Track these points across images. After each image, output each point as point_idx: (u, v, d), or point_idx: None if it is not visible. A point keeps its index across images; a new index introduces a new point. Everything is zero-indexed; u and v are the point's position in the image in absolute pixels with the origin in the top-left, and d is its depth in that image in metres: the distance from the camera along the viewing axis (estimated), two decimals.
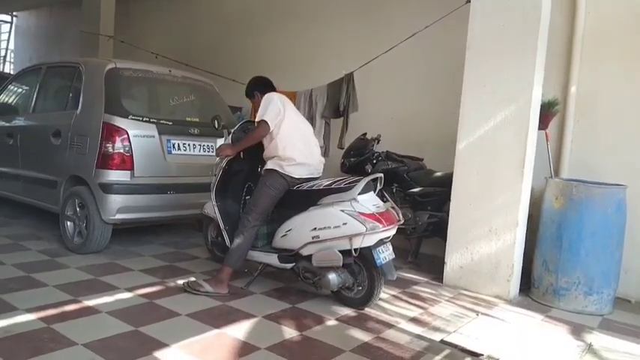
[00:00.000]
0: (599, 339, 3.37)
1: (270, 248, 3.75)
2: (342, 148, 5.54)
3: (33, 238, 4.85)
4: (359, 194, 3.38)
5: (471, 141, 4.14)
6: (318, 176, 3.80)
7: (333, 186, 3.50)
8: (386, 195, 4.09)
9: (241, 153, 3.86)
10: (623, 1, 4.37)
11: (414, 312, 3.60)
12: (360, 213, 3.33)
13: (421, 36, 5.07)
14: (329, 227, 3.39)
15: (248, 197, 3.98)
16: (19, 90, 5.76)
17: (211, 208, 4.02)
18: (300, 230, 3.53)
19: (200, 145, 4.83)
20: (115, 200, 4.28)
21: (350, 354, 2.85)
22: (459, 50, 4.28)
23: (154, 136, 4.47)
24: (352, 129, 5.55)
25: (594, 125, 4.48)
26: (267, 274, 4.02)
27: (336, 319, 3.35)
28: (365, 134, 5.22)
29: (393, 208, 3.62)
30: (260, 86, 3.94)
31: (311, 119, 5.63)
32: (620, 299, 4.12)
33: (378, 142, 5.16)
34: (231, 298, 3.58)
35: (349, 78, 5.62)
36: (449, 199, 4.30)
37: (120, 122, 4.32)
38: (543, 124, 4.20)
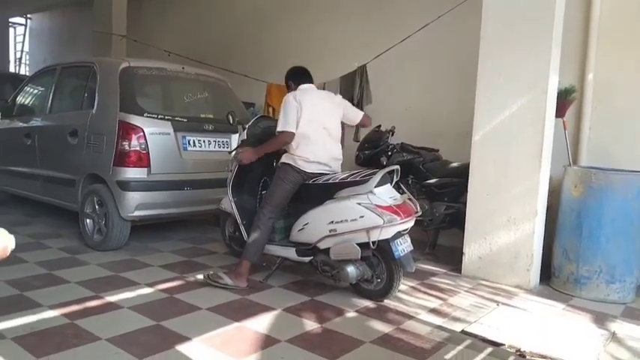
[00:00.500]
0: (622, 327, 3.33)
1: (288, 242, 3.76)
2: (357, 141, 5.53)
3: (54, 236, 4.92)
4: (375, 187, 3.36)
5: (487, 130, 4.10)
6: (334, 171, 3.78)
7: (349, 179, 3.49)
8: (402, 187, 4.08)
9: None
10: None
11: (434, 303, 3.59)
12: (377, 205, 3.32)
13: (434, 26, 5.04)
14: (346, 220, 3.38)
15: (264, 192, 3.98)
16: (35, 91, 5.83)
17: (228, 204, 4.05)
18: (317, 224, 3.53)
19: (215, 141, 4.85)
20: (133, 197, 4.32)
21: (370, 345, 2.86)
22: (473, 40, 4.23)
23: (169, 133, 4.50)
24: None
25: (612, 112, 4.42)
26: (285, 267, 4.03)
27: (356, 311, 3.36)
28: (379, 126, 5.19)
29: (410, 199, 3.59)
30: (293, 76, 3.90)
31: None
32: None
33: (392, 134, 5.14)
34: (250, 291, 3.60)
35: (362, 70, 5.61)
36: (466, 190, 4.28)
37: (135, 120, 4.36)
38: (560, 112, 4.15)
